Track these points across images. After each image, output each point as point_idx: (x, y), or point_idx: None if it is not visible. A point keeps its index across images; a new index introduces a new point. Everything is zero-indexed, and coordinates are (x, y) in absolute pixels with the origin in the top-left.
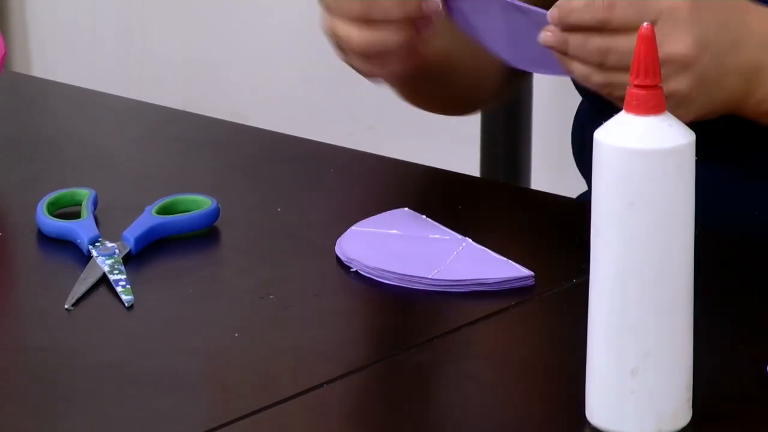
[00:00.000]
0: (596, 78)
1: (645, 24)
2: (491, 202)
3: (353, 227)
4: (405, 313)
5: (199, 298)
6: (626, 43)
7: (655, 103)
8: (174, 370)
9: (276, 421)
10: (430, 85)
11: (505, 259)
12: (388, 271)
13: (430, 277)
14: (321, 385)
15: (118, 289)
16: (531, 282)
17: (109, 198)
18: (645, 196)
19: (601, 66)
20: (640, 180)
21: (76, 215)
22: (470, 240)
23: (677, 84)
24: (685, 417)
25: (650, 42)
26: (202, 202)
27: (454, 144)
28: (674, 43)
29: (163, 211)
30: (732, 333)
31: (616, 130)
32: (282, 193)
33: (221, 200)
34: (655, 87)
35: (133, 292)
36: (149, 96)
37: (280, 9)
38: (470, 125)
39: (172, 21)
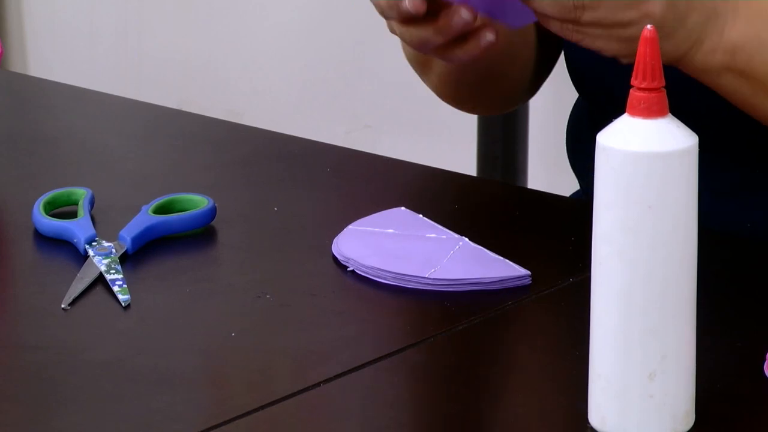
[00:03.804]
0: (568, 29)
1: (649, 27)
2: (488, 201)
3: (350, 226)
4: (401, 312)
5: (195, 297)
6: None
7: (660, 105)
8: (171, 369)
9: (273, 421)
10: (492, 77)
11: (502, 258)
12: (384, 271)
13: (426, 276)
14: (318, 385)
15: (115, 288)
16: (528, 281)
17: (106, 197)
18: (663, 198)
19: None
20: (658, 183)
21: (73, 215)
22: (467, 239)
23: (652, 6)
24: (693, 416)
25: (653, 44)
26: (199, 202)
27: (451, 143)
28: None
29: (160, 210)
30: (729, 332)
31: (626, 134)
32: (279, 192)
33: (218, 199)
34: (658, 89)
35: (130, 291)
36: (146, 95)
37: (277, 8)
38: (467, 124)
39: (168, 20)
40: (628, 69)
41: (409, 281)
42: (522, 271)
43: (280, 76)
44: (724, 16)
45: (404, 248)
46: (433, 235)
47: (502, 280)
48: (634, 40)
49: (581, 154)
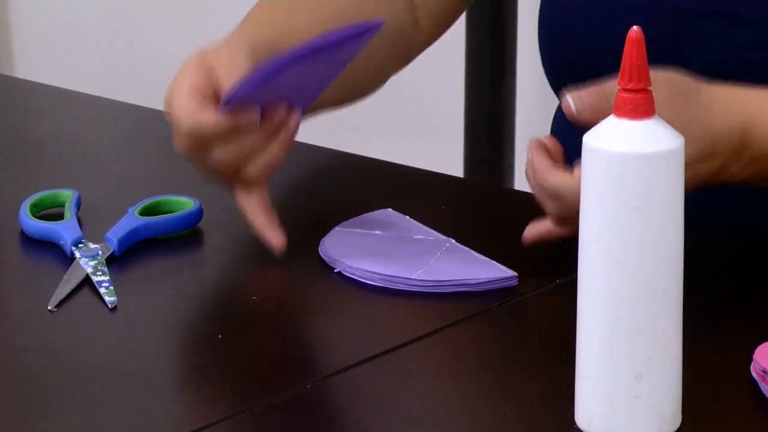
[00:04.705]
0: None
1: (635, 27)
2: (475, 202)
3: (337, 228)
4: (388, 313)
5: (182, 299)
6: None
7: (646, 107)
8: (158, 371)
9: (260, 422)
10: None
11: (489, 259)
12: (371, 272)
13: (413, 277)
14: (305, 386)
15: (102, 290)
16: (514, 282)
17: (93, 199)
18: (649, 199)
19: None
20: (645, 184)
21: (59, 216)
22: (453, 240)
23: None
24: (679, 416)
25: (639, 45)
26: (185, 203)
27: (438, 145)
28: None
29: (147, 212)
30: (715, 333)
31: (612, 135)
32: None
33: (204, 201)
34: (645, 90)
35: (117, 293)
36: (133, 97)
37: None
38: (454, 126)
39: (156, 21)
40: (607, 73)
41: (396, 282)
42: (509, 272)
43: None
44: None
45: (391, 249)
46: (420, 237)
47: (488, 282)
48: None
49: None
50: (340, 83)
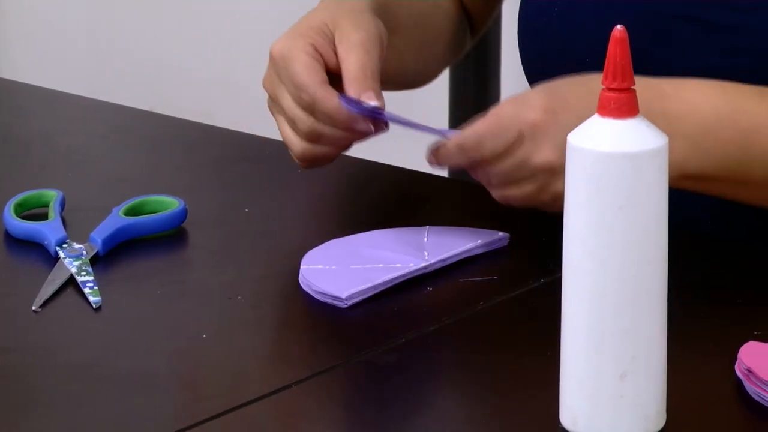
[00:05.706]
0: (493, 194)
1: (619, 27)
2: (459, 202)
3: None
4: (372, 315)
5: (167, 299)
6: (502, 167)
7: (630, 106)
8: (143, 371)
9: (245, 422)
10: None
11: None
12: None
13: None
14: (290, 386)
15: (86, 290)
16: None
17: (77, 199)
18: (634, 198)
19: (490, 187)
20: (629, 183)
21: (44, 216)
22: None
23: (557, 188)
24: (664, 416)
25: (623, 44)
26: (170, 203)
27: (424, 144)
28: (540, 155)
29: (131, 212)
30: (700, 332)
31: (596, 135)
32: (250, 193)
33: (189, 201)
34: (628, 90)
35: (101, 293)
36: (118, 97)
37: (250, 9)
38: (438, 126)
39: (140, 22)
40: (581, 70)
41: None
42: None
43: (255, 76)
44: None
45: (381, 252)
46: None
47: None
48: (544, 195)
49: None
50: (407, 69)
